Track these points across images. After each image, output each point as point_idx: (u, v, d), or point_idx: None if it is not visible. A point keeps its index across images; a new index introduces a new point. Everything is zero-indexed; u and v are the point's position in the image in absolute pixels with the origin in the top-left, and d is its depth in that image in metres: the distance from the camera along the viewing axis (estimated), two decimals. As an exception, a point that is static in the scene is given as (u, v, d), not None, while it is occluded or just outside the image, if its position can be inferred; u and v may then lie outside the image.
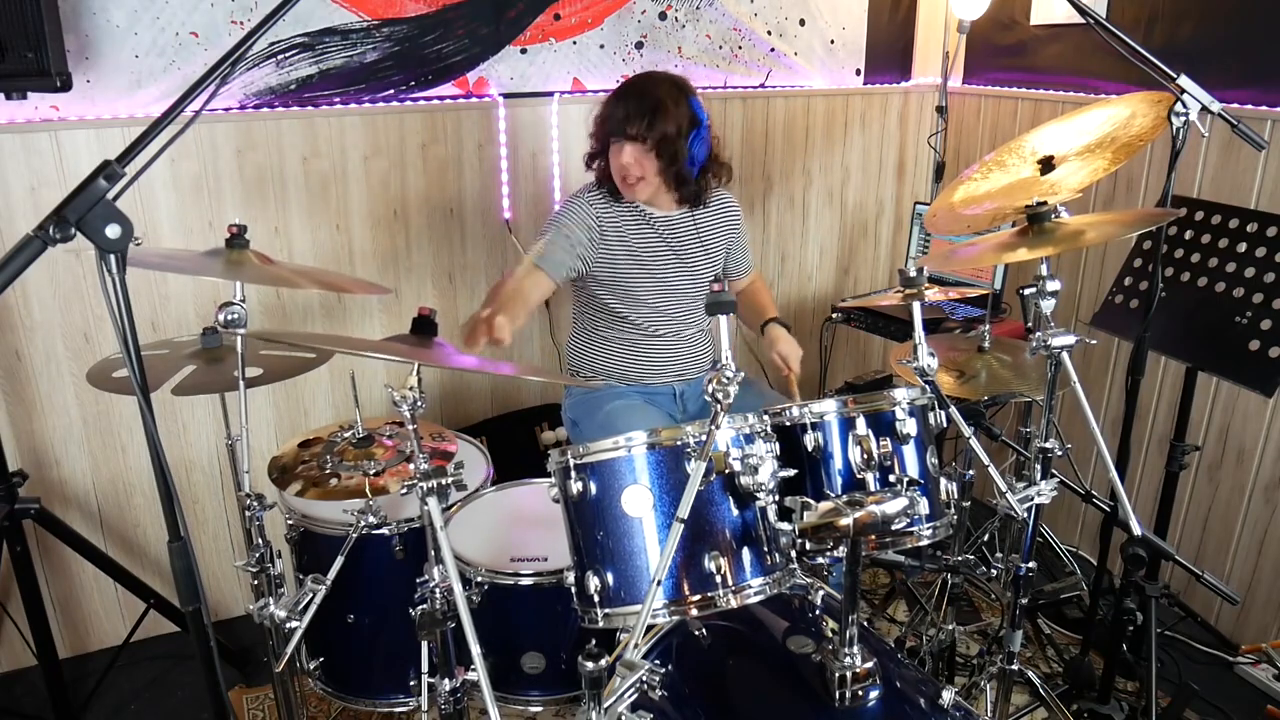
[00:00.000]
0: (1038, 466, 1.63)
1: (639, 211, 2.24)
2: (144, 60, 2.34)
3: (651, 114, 2.07)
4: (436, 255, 2.78)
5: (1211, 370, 2.04)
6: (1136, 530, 1.62)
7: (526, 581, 1.77)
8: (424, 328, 1.49)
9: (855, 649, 1.28)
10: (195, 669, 2.45)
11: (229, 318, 1.56)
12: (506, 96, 2.74)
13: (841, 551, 1.29)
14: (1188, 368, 2.08)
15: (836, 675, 1.27)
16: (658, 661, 1.45)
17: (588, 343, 2.35)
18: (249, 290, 1.61)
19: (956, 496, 1.53)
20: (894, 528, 1.25)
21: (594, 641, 1.13)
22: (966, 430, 1.54)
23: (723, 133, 3.01)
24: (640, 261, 2.23)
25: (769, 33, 3.09)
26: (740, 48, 3.06)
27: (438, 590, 1.50)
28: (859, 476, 1.46)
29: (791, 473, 1.43)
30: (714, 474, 1.32)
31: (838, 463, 1.47)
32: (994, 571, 1.96)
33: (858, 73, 3.28)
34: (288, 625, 1.69)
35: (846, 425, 1.48)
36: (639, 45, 2.90)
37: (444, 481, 1.42)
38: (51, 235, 1.04)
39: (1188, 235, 2.08)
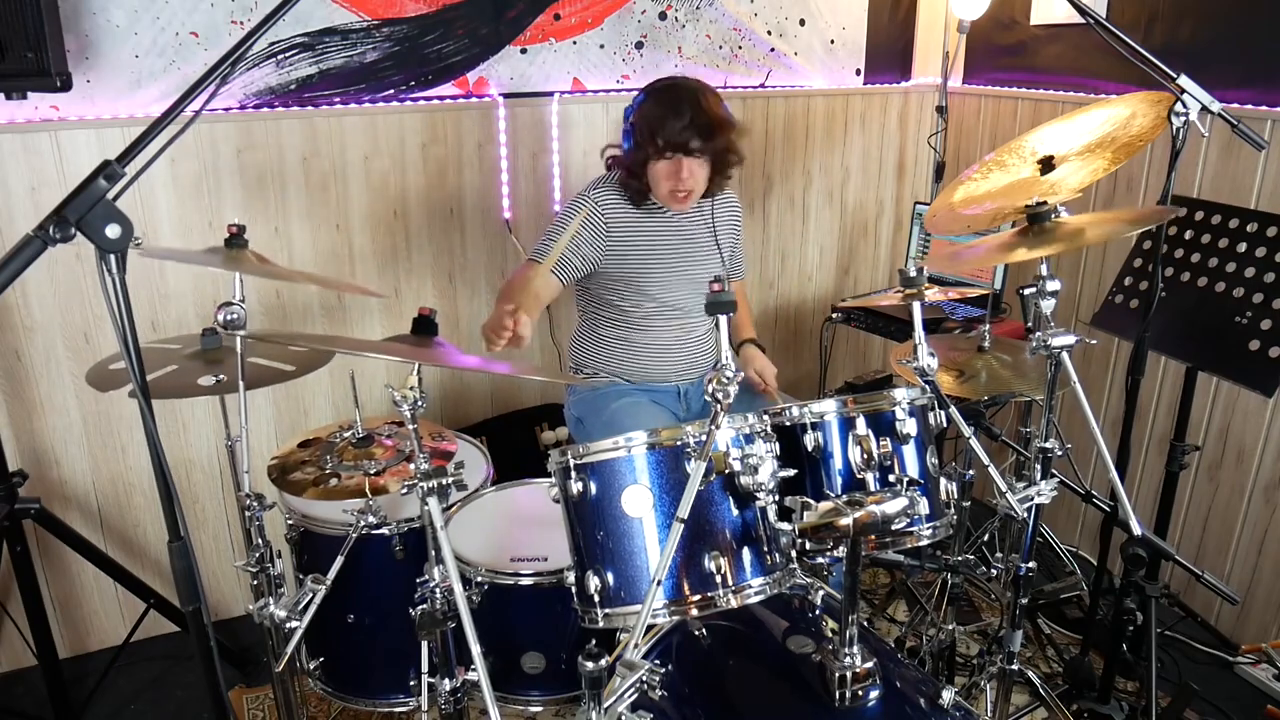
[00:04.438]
0: (1038, 466, 1.63)
1: (655, 206, 2.24)
2: (144, 60, 2.34)
3: (711, 129, 2.07)
4: (436, 255, 2.78)
5: (1211, 370, 2.04)
6: (1136, 530, 1.62)
7: (526, 581, 1.77)
8: (425, 328, 1.49)
9: (855, 649, 1.28)
10: (195, 669, 2.47)
11: (229, 318, 1.56)
12: (506, 96, 2.74)
13: (841, 551, 1.29)
14: (1188, 368, 2.08)
15: (836, 675, 1.27)
16: (658, 661, 1.45)
17: (592, 339, 2.35)
18: (248, 291, 1.61)
19: (956, 496, 1.53)
20: (894, 528, 1.25)
21: (594, 641, 1.13)
22: (966, 430, 1.54)
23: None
24: (650, 257, 2.23)
25: (769, 33, 3.09)
26: (740, 48, 3.06)
27: (438, 590, 1.50)
28: (859, 476, 1.46)
29: (791, 473, 1.43)
30: (714, 474, 1.32)
31: (838, 463, 1.47)
32: (994, 571, 1.96)
33: (858, 73, 3.28)
34: (288, 625, 1.69)
35: (846, 425, 1.48)
36: (639, 45, 2.90)
37: (444, 481, 1.43)
38: (51, 235, 1.04)
39: (1188, 235, 2.08)
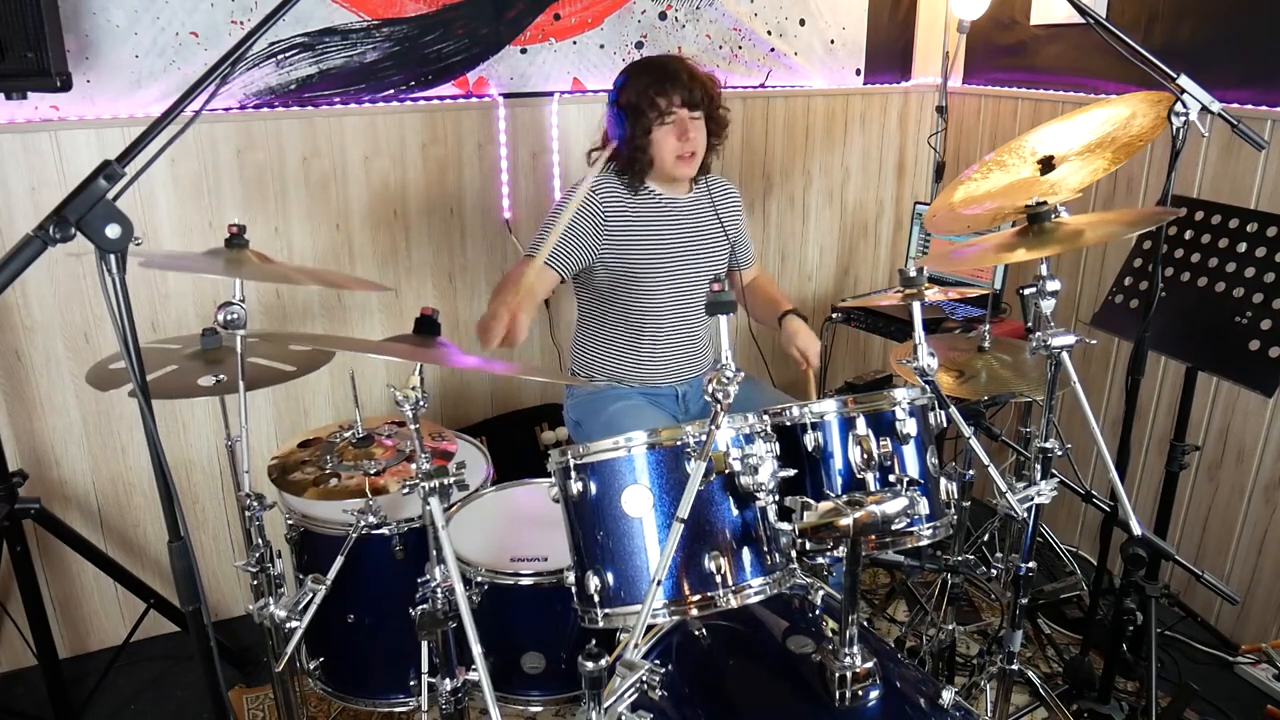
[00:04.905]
0: (1038, 466, 1.63)
1: (652, 197, 2.24)
2: (144, 60, 2.34)
3: (703, 86, 2.13)
4: (436, 255, 2.78)
5: (1211, 370, 2.04)
6: (1136, 530, 1.62)
7: (526, 581, 1.77)
8: (427, 328, 1.49)
9: (855, 649, 1.28)
10: (195, 669, 2.47)
11: (229, 318, 1.56)
12: (506, 96, 2.74)
13: (841, 551, 1.29)
14: (1188, 368, 2.08)
15: (836, 675, 1.27)
16: (658, 661, 1.45)
17: (591, 343, 2.35)
18: (248, 291, 1.61)
19: (956, 496, 1.53)
20: (894, 528, 1.25)
21: (594, 641, 1.14)
22: (966, 430, 1.54)
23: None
24: (650, 246, 2.22)
25: (769, 33, 3.09)
26: (740, 48, 3.06)
27: (438, 590, 1.50)
28: (859, 476, 1.46)
29: (791, 473, 1.43)
30: (714, 474, 1.32)
31: (838, 463, 1.47)
32: (994, 571, 1.96)
33: (858, 73, 3.28)
34: (288, 625, 1.69)
35: (846, 425, 1.48)
36: (639, 45, 2.90)
37: (445, 481, 1.42)
38: (51, 235, 1.04)
39: (1188, 235, 2.08)
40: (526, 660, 1.82)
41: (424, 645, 1.65)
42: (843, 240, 3.44)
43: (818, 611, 1.55)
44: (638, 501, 1.34)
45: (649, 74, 2.13)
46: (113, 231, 1.07)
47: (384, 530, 1.83)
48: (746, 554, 1.34)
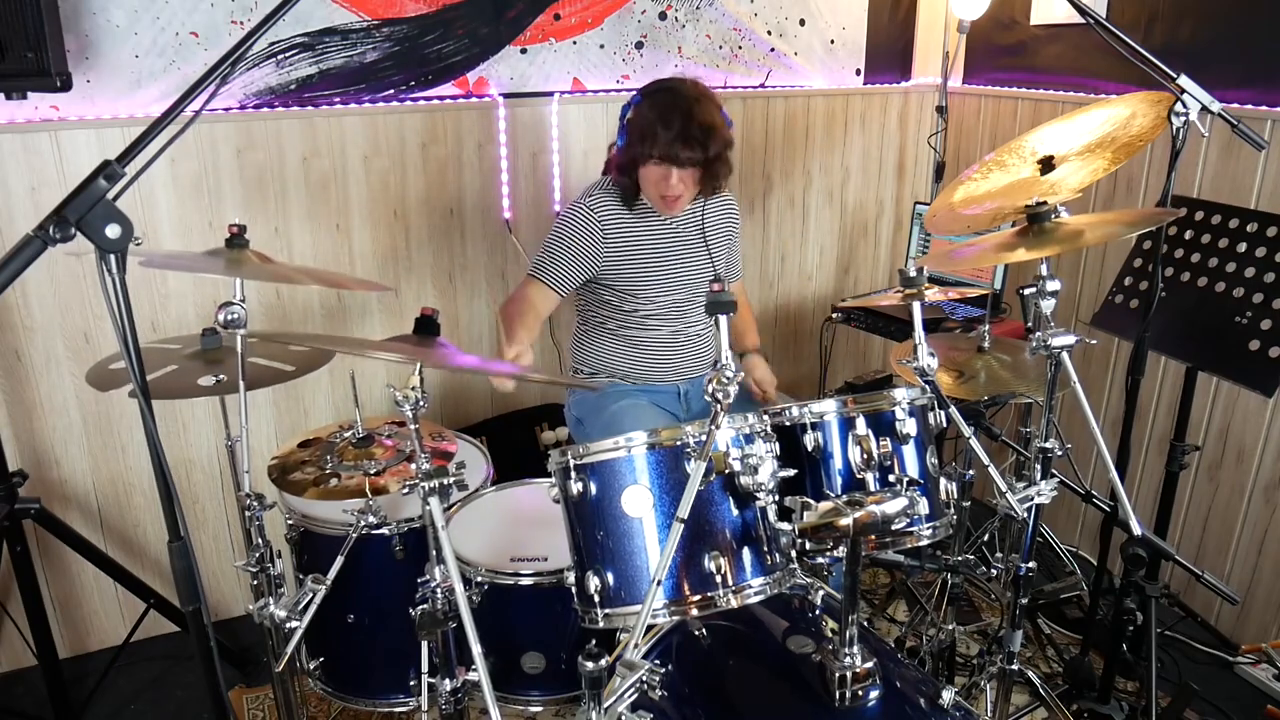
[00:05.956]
0: (1038, 466, 1.63)
1: (648, 211, 2.25)
2: (144, 60, 2.34)
3: (705, 139, 2.05)
4: (436, 255, 2.78)
5: (1211, 370, 2.04)
6: (1136, 530, 1.62)
7: (526, 581, 1.77)
8: (426, 328, 1.49)
9: (855, 649, 1.28)
10: (195, 669, 2.48)
11: (229, 317, 1.56)
12: (506, 96, 2.74)
13: (841, 551, 1.29)
14: (1188, 368, 2.08)
15: (836, 675, 1.27)
16: (658, 661, 1.45)
17: (592, 341, 2.35)
18: (248, 291, 1.61)
19: (956, 496, 1.53)
20: (894, 528, 1.25)
21: (594, 641, 1.13)
22: (966, 430, 1.54)
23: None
24: (646, 260, 2.23)
25: (769, 33, 3.09)
26: (740, 48, 3.06)
27: (438, 590, 1.50)
28: (859, 476, 1.46)
29: (791, 473, 1.43)
30: (714, 474, 1.32)
31: (838, 463, 1.47)
32: (994, 571, 1.96)
33: (858, 73, 3.28)
34: (288, 625, 1.69)
35: (846, 425, 1.48)
36: (639, 45, 2.90)
37: (445, 481, 1.42)
38: (51, 235, 1.04)
39: (1188, 235, 2.08)
40: (526, 660, 1.82)
41: (424, 645, 1.65)
42: (843, 240, 3.44)
43: (818, 611, 1.55)
44: (638, 501, 1.34)
45: (657, 110, 2.06)
46: (113, 231, 1.07)
47: (384, 530, 1.83)
48: (746, 554, 1.34)
